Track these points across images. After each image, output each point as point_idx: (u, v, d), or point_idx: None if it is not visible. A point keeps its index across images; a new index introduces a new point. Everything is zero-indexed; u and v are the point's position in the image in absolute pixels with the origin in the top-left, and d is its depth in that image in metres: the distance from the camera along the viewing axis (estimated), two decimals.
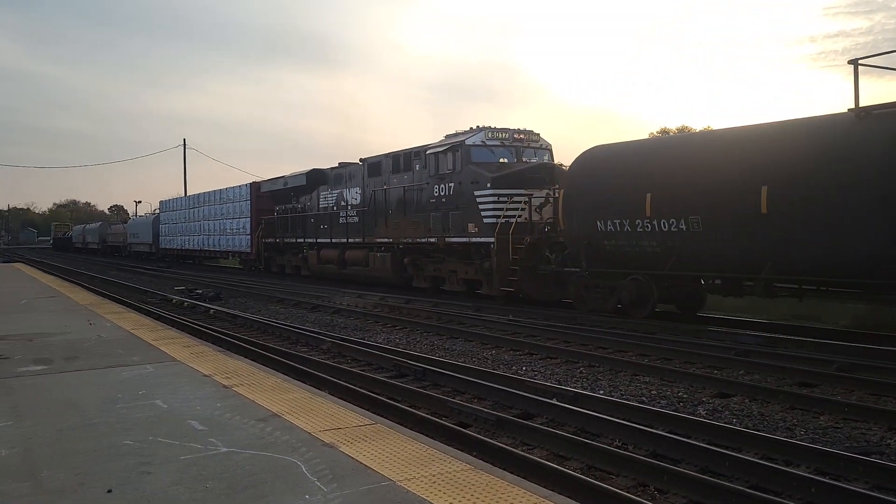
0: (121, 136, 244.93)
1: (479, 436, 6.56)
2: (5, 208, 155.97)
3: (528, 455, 6.00)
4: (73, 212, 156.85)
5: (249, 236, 32.68)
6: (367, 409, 6.88)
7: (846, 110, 11.08)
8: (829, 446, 6.35)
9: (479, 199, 17.75)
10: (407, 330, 14.49)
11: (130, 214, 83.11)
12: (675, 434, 6.62)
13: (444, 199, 19.09)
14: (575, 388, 8.88)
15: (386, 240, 21.72)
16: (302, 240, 27.28)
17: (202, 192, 41.56)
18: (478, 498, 3.95)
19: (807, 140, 11.34)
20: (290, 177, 28.79)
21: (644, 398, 8.55)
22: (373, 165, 22.77)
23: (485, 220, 17.52)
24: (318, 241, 25.99)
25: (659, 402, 8.33)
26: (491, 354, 11.66)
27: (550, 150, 19.51)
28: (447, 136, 19.72)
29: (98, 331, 11.18)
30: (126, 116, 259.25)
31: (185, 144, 62.59)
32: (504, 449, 6.13)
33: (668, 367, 10.00)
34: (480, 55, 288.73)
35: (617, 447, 6.43)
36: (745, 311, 15.51)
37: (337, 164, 26.43)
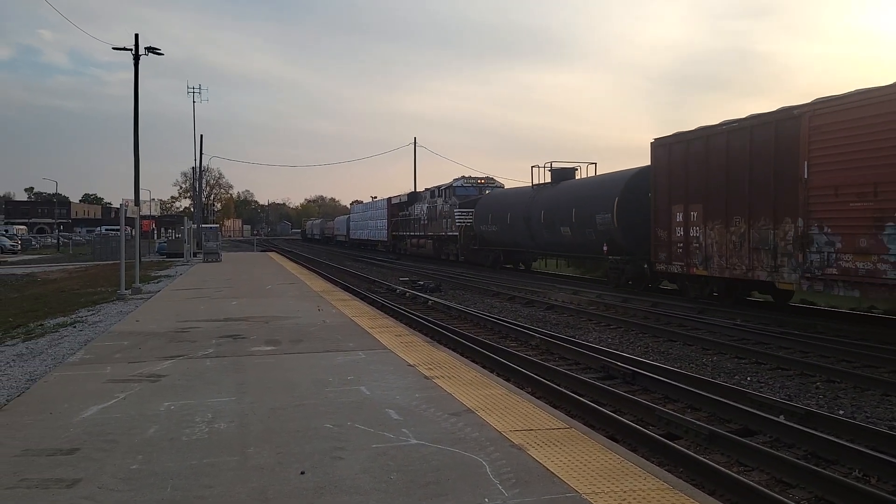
0: (361, 135, 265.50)
1: (685, 450, 5.97)
2: (265, 203, 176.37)
3: (741, 477, 5.34)
4: (321, 206, 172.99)
5: (386, 231, 51.09)
6: (566, 411, 6.61)
7: (532, 185, 28.00)
8: None
9: (455, 214, 35.42)
10: (621, 330, 13.87)
11: None
12: None
13: (446, 212, 36.95)
14: (808, 405, 7.85)
15: (431, 233, 39.99)
16: (406, 233, 46.14)
17: (372, 200, 61.16)
18: None
19: (519, 197, 28.91)
20: (402, 195, 48.16)
21: None
22: (432, 192, 40.42)
23: (456, 224, 35.30)
24: (411, 234, 44.67)
25: None
26: (711, 361, 10.75)
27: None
28: (454, 180, 37.20)
29: (324, 316, 12.02)
30: (366, 118, 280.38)
31: (415, 143, 66.22)
32: (714, 468, 5.51)
33: None
34: (715, 41, 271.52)
35: (856, 479, 5.53)
36: None
37: (424, 189, 44.13)
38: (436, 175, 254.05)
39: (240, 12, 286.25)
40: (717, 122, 16.01)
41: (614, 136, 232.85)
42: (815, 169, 13.12)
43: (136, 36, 32.73)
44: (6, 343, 10.71)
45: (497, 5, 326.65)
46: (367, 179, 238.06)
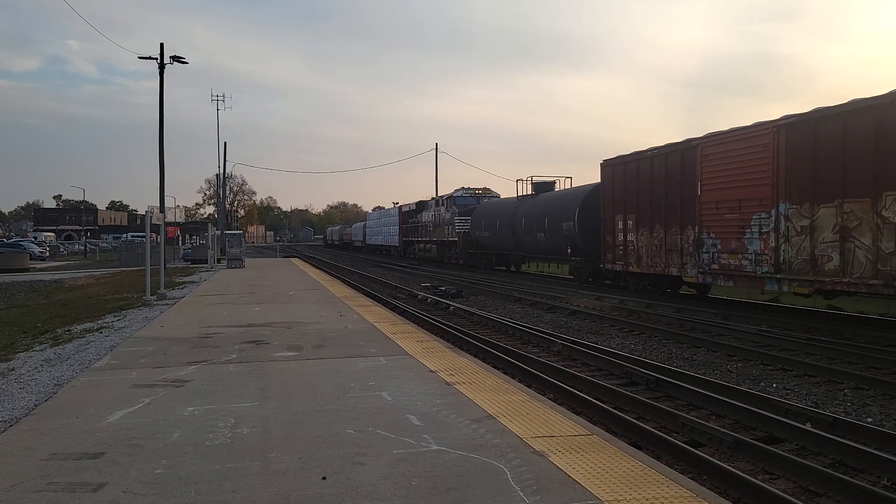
0: (384, 142, 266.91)
1: (709, 457, 5.91)
2: (288, 209, 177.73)
3: (767, 485, 5.26)
4: (343, 212, 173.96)
5: (398, 237, 55.19)
6: (588, 417, 6.57)
7: (517, 196, 32.32)
8: None
9: (455, 221, 39.61)
10: (644, 336, 13.77)
11: None
12: None
13: (448, 220, 41.24)
14: (835, 412, 7.73)
15: (436, 239, 44.63)
16: (414, 239, 50.60)
17: (393, 206, 64.02)
18: None
19: (507, 206, 33.25)
20: (411, 203, 52.01)
21: None
22: (437, 201, 45.67)
23: (456, 230, 39.27)
24: (419, 239, 49.27)
25: None
26: (736, 367, 10.63)
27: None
28: (455, 190, 42.08)
29: (346, 322, 12.07)
30: (388, 124, 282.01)
31: (436, 148, 66.29)
32: (738, 475, 5.43)
33: None
34: (739, 45, 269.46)
35: (884, 487, 5.43)
36: None
37: (430, 199, 49.14)
38: (457, 180, 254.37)
39: (259, 19, 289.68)
40: (645, 148, 19.75)
41: (636, 139, 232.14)
42: (705, 188, 16.93)
43: (161, 45, 33.18)
44: (34, 348, 10.89)
45: (518, 11, 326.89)
46: (389, 185, 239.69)
